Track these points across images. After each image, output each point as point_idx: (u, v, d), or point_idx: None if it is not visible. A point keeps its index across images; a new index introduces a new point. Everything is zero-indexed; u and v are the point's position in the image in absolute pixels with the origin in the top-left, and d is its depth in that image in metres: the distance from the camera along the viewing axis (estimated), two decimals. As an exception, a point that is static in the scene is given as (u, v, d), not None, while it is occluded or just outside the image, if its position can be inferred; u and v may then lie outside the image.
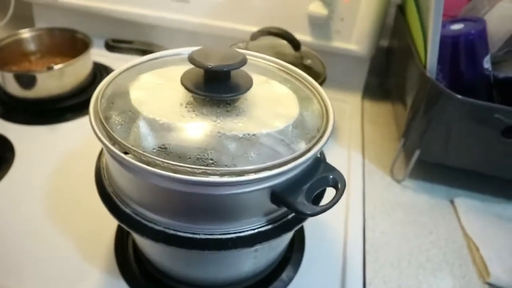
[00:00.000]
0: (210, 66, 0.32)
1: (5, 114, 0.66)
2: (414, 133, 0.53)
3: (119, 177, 0.32)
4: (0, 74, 0.65)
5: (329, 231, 0.50)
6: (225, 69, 0.33)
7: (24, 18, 0.88)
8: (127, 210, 0.33)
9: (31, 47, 0.75)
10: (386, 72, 0.80)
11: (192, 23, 0.74)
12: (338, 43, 0.71)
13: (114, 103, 0.34)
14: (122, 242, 0.46)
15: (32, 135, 0.62)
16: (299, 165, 0.30)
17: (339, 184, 0.32)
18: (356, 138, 0.67)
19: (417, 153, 0.54)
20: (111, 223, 0.48)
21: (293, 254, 0.47)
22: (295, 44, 0.60)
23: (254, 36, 0.61)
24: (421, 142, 0.53)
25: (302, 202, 0.30)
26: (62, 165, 0.56)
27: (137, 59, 0.40)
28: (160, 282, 0.42)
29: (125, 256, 0.45)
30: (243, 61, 0.33)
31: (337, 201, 0.31)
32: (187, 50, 0.40)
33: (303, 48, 0.63)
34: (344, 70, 0.75)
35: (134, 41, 0.58)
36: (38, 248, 0.45)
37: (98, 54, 0.75)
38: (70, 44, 0.74)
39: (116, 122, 0.31)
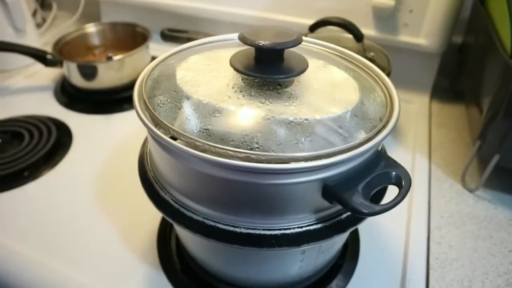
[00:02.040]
0: (261, 44, 0.29)
1: (68, 103, 0.69)
2: (492, 135, 0.46)
3: (159, 160, 0.30)
4: (66, 66, 0.68)
5: (388, 240, 0.45)
6: (278, 48, 0.29)
7: (92, 15, 0.93)
8: (166, 197, 0.31)
9: (95, 41, 0.78)
10: (458, 72, 0.72)
11: (247, 16, 0.72)
12: (405, 37, 0.65)
13: (159, 83, 0.32)
14: (165, 235, 0.45)
15: (90, 123, 0.64)
16: (357, 156, 0.26)
17: (403, 182, 0.28)
18: (422, 141, 0.60)
19: (495, 158, 0.47)
20: (157, 214, 0.47)
21: (346, 262, 0.42)
22: (357, 35, 0.55)
23: (313, 27, 0.57)
24: (501, 146, 0.46)
25: (358, 199, 0.26)
26: (115, 153, 0.57)
27: (186, 44, 0.39)
28: (200, 278, 0.40)
29: (167, 249, 0.43)
30: (298, 40, 0.30)
31: (400, 201, 0.27)
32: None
33: (366, 41, 0.58)
34: (412, 68, 0.68)
35: (188, 30, 0.57)
36: (82, 232, 0.45)
37: (157, 49, 0.76)
38: (131, 38, 0.76)
39: (159, 101, 0.30)
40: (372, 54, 0.55)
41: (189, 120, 0.28)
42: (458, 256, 0.43)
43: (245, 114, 0.28)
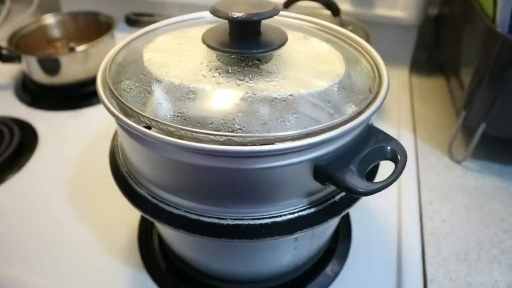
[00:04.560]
0: (236, 16, 0.26)
1: (31, 101, 0.64)
2: (478, 103, 0.45)
3: (130, 152, 0.27)
4: (25, 61, 0.63)
5: (380, 218, 0.44)
6: (254, 19, 0.27)
7: (51, 7, 0.87)
8: (143, 192, 0.28)
9: (56, 33, 0.72)
10: (435, 44, 0.71)
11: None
12: (381, 11, 0.63)
13: (125, 67, 0.29)
14: (146, 233, 0.42)
15: (57, 121, 0.60)
16: (349, 131, 0.24)
17: (398, 156, 0.26)
18: (405, 116, 0.59)
19: (482, 127, 0.46)
20: (136, 212, 0.44)
21: (338, 245, 0.40)
22: (334, 9, 0.53)
23: (287, 4, 0.55)
24: (488, 114, 0.44)
25: (353, 178, 0.24)
26: (85, 151, 0.53)
27: (153, 24, 0.35)
28: (188, 277, 0.38)
29: (150, 248, 0.40)
30: (276, 10, 0.27)
31: (398, 177, 0.25)
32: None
33: (343, 16, 0.56)
34: (389, 42, 0.67)
35: (156, 14, 0.53)
36: (58, 238, 0.42)
37: (123, 37, 0.71)
38: (95, 27, 0.71)
39: (125, 87, 0.27)
40: (350, 28, 0.53)
41: (160, 104, 0.25)
42: (452, 229, 0.42)
43: (223, 94, 0.25)
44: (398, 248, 0.40)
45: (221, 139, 0.22)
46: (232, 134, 0.22)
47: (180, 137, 0.22)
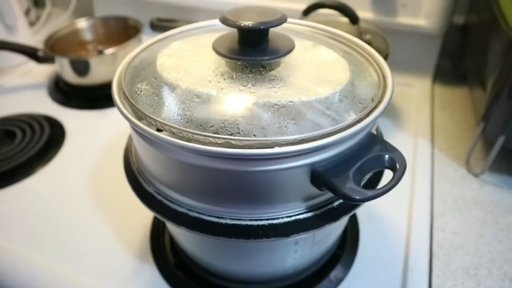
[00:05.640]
0: (243, 25, 0.27)
1: (62, 100, 0.68)
2: (497, 115, 0.44)
3: (139, 150, 0.29)
4: (58, 62, 0.67)
5: (389, 228, 0.43)
6: (262, 27, 0.28)
7: (86, 10, 0.91)
8: (150, 189, 0.29)
9: (88, 36, 0.76)
10: (461, 53, 0.69)
11: (239, 4, 0.70)
12: (404, 19, 0.63)
13: (139, 71, 0.30)
14: (158, 229, 0.44)
15: (84, 119, 0.63)
16: (346, 139, 0.24)
17: (397, 165, 0.26)
18: (424, 125, 0.58)
19: (500, 140, 0.45)
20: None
21: (344, 252, 0.40)
22: (352, 17, 0.53)
23: (307, 11, 0.55)
24: (507, 127, 0.43)
25: (349, 185, 0.24)
26: (107, 148, 0.56)
27: (171, 30, 0.37)
28: (194, 273, 0.39)
29: (160, 244, 0.42)
30: (282, 19, 0.28)
31: (394, 185, 0.25)
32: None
33: (362, 23, 0.56)
34: (412, 50, 0.66)
35: (178, 20, 0.55)
36: (76, 229, 0.44)
37: (150, 41, 0.74)
38: (124, 31, 0.74)
39: (137, 89, 0.28)
40: (368, 36, 0.53)
41: (166, 106, 0.26)
42: (463, 243, 0.41)
43: (225, 98, 0.26)
44: (405, 258, 0.40)
45: (219, 142, 0.23)
46: (230, 137, 0.23)
47: (180, 138, 0.23)
